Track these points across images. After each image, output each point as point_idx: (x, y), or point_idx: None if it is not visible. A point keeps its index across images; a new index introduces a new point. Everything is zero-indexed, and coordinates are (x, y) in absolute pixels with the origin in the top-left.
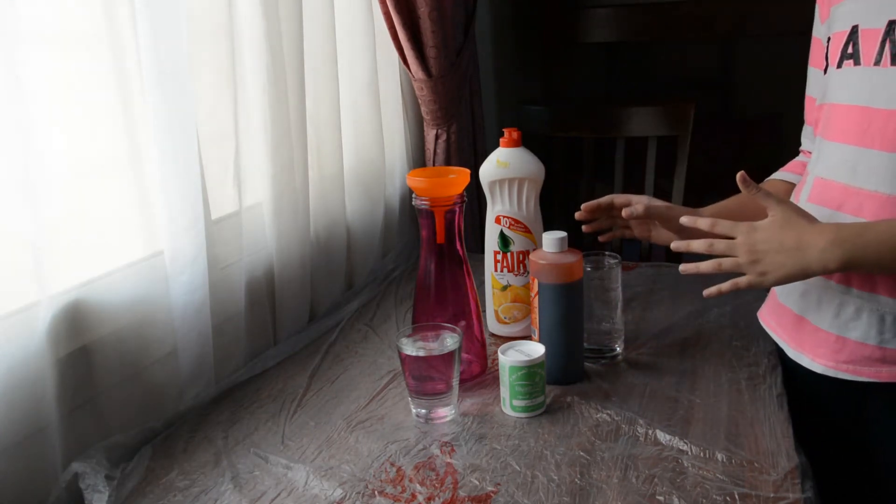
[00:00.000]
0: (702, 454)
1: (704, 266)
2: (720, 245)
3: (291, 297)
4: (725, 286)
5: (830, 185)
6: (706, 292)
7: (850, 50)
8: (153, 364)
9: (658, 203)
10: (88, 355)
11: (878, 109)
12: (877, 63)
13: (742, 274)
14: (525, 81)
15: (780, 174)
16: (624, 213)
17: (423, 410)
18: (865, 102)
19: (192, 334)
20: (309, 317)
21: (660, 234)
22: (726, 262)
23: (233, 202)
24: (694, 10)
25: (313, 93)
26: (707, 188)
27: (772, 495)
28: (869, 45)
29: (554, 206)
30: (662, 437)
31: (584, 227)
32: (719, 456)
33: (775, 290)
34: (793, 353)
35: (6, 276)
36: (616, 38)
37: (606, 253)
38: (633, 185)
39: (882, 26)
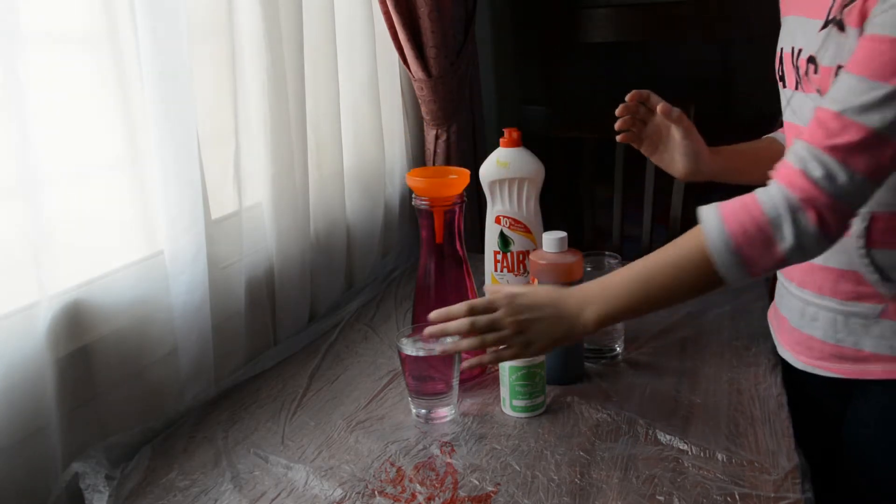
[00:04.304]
0: (702, 454)
1: (465, 344)
2: (482, 321)
3: (291, 297)
4: (486, 358)
5: None
6: (467, 363)
7: (779, 72)
8: (153, 364)
9: (686, 120)
10: (88, 355)
11: (801, 127)
12: (795, 87)
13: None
14: (525, 81)
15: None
16: (659, 108)
17: (423, 410)
18: (790, 119)
19: (192, 334)
20: (309, 317)
21: (664, 155)
22: (489, 337)
23: (233, 202)
24: (694, 10)
25: (313, 93)
26: (707, 188)
27: (772, 495)
28: (788, 68)
29: (554, 206)
30: (662, 437)
31: (618, 114)
32: (719, 456)
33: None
34: (780, 349)
35: (6, 276)
36: (616, 38)
37: (606, 253)
38: (634, 186)
39: (789, 51)
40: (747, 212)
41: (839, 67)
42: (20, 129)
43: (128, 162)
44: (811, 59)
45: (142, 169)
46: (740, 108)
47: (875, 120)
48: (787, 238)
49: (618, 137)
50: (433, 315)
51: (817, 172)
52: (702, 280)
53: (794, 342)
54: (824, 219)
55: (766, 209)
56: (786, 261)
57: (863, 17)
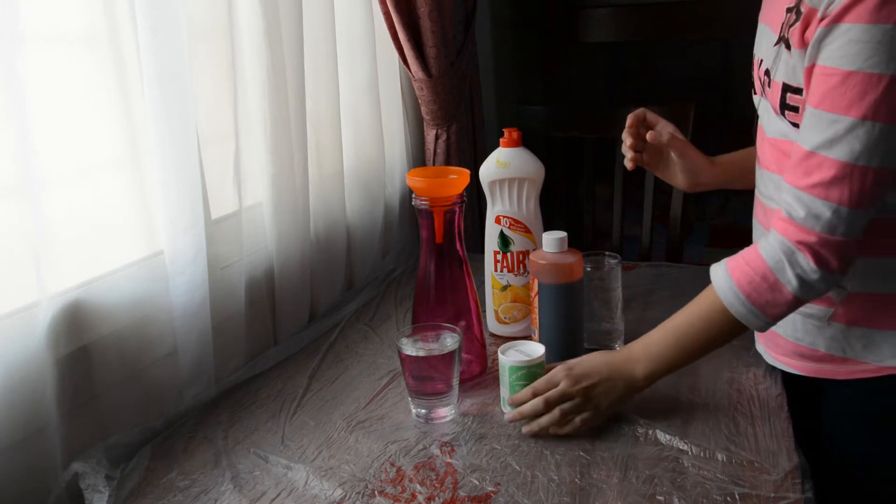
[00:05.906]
0: (702, 454)
1: (545, 420)
2: (554, 395)
3: (291, 297)
4: (567, 429)
5: (758, 202)
6: (526, 430)
7: (752, 79)
8: (153, 364)
9: (679, 137)
10: (88, 355)
11: (765, 134)
12: (762, 94)
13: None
14: (525, 81)
15: None
16: (648, 136)
17: (423, 410)
18: (761, 124)
19: (192, 334)
20: (309, 317)
21: (666, 171)
22: (566, 406)
23: (233, 202)
24: (694, 10)
25: (313, 93)
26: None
27: (772, 495)
28: (756, 75)
29: (554, 206)
30: (662, 437)
31: (625, 139)
32: (719, 456)
33: None
34: (756, 344)
35: (6, 276)
36: (616, 38)
37: (606, 253)
38: (634, 186)
39: (756, 59)
40: (750, 263)
41: (785, 85)
42: (20, 129)
43: (128, 162)
44: (767, 73)
45: (142, 169)
46: (740, 108)
47: (844, 153)
48: (791, 281)
49: (626, 162)
50: (511, 405)
51: (801, 213)
52: (729, 330)
53: (765, 337)
54: (821, 256)
55: (766, 257)
56: (799, 300)
57: (804, 42)
